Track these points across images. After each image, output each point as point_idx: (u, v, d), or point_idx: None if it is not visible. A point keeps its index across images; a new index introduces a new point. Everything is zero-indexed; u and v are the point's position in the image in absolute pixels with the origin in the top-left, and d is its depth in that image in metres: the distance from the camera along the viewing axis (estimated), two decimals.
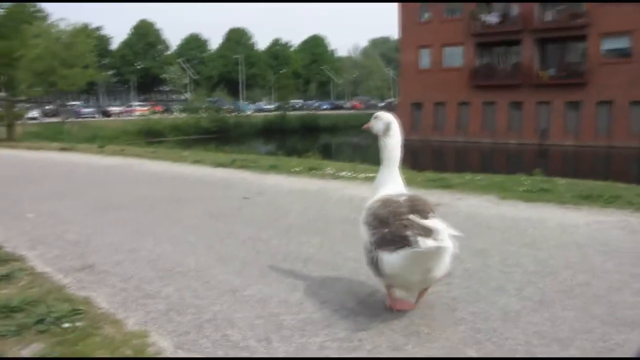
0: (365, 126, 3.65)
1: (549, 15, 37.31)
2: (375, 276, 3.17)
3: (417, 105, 43.54)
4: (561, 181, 8.21)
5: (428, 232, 2.79)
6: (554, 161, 32.41)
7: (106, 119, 55.93)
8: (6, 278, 3.82)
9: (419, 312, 3.13)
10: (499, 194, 6.97)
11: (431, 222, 2.88)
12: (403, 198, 3.15)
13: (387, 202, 3.12)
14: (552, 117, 37.01)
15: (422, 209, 3.01)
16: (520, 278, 3.68)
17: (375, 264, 3.02)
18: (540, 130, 37.36)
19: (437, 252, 2.80)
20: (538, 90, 37.55)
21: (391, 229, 2.92)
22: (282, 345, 2.77)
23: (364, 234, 3.15)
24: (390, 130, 3.45)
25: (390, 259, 2.90)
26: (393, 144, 3.46)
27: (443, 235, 2.79)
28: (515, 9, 39.04)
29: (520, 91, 38.24)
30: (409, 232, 2.81)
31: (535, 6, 37.43)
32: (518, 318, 3.02)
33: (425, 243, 2.73)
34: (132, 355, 2.67)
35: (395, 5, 44.71)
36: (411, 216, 2.92)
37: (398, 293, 3.23)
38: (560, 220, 5.42)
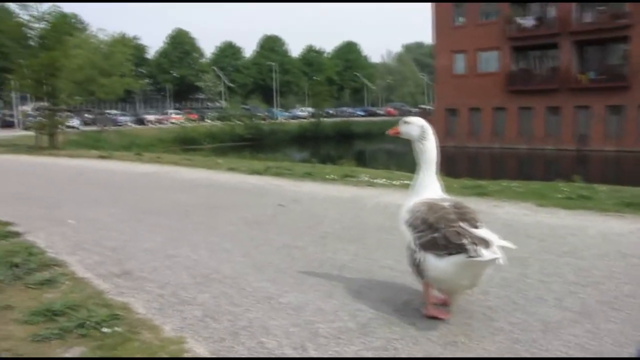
0: (392, 131, 3.68)
1: (588, 16, 36.51)
2: (415, 275, 3.23)
3: (452, 111, 43.12)
4: (602, 188, 8.02)
5: (483, 243, 2.93)
6: (593, 167, 31.66)
7: (142, 126, 56.88)
8: (49, 282, 3.91)
9: (456, 320, 3.09)
10: (537, 202, 6.85)
11: (485, 233, 3.04)
12: (448, 203, 3.26)
13: (433, 207, 3.21)
14: (592, 121, 36.17)
15: (471, 218, 3.14)
16: (560, 288, 3.61)
17: (418, 265, 3.14)
18: (579, 135, 36.57)
19: (491, 263, 2.93)
20: (576, 94, 36.77)
21: (443, 234, 3.02)
22: (318, 353, 2.77)
23: (407, 235, 3.25)
24: (426, 134, 3.49)
25: (440, 263, 3.01)
26: (430, 147, 3.52)
27: (496, 246, 2.96)
28: (551, 11, 38.37)
29: (557, 96, 37.49)
30: (465, 241, 2.92)
31: (573, 8, 36.73)
32: (558, 329, 2.96)
33: (483, 253, 2.87)
34: None
35: (429, 10, 44.42)
36: (462, 224, 3.05)
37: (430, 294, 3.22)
38: (602, 229, 5.29)
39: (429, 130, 3.52)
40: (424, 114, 66.64)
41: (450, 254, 2.96)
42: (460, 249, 2.92)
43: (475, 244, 2.91)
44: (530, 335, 2.89)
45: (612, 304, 3.28)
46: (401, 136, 3.59)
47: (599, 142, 35.55)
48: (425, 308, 3.22)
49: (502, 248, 3.01)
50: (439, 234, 3.04)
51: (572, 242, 4.79)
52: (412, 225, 3.22)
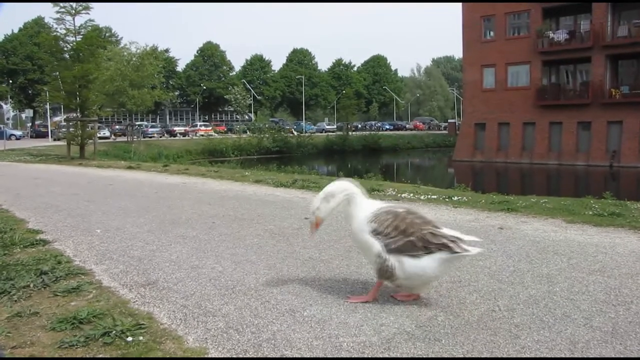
0: (313, 229, 3.80)
1: (623, 30, 35.99)
2: (386, 278, 3.56)
3: (481, 126, 42.74)
4: (635, 205, 7.86)
5: (458, 240, 3.47)
6: (626, 184, 31.01)
7: (171, 138, 57.65)
8: (75, 291, 3.96)
9: (481, 337, 3.03)
10: (566, 218, 6.74)
11: (453, 232, 3.55)
12: (403, 210, 3.62)
13: (399, 215, 3.54)
14: (624, 137, 35.46)
15: (430, 220, 3.60)
16: (588, 307, 3.53)
17: (392, 268, 3.47)
18: (611, 151, 35.89)
19: (466, 257, 3.53)
20: (609, 109, 36.14)
21: (419, 237, 3.44)
22: None
23: (375, 243, 3.51)
24: (332, 192, 3.69)
25: (420, 262, 3.43)
26: (348, 188, 3.69)
27: (466, 241, 3.50)
28: (585, 25, 37.91)
29: (589, 110, 36.91)
30: (445, 240, 3.43)
31: (607, 22, 36.24)
32: (587, 349, 2.88)
33: (468, 248, 3.44)
34: None
35: (459, 24, 44.28)
36: (431, 227, 3.50)
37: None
38: (634, 247, 5.17)
39: (328, 189, 3.70)
40: (452, 128, 66.32)
41: (429, 252, 3.41)
42: (443, 247, 3.41)
43: (455, 242, 3.43)
44: (557, 355, 2.82)
45: None
46: (326, 213, 3.75)
47: (631, 158, 34.83)
48: (360, 297, 3.68)
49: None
50: (414, 237, 3.44)
51: (602, 260, 4.68)
52: (383, 233, 3.50)
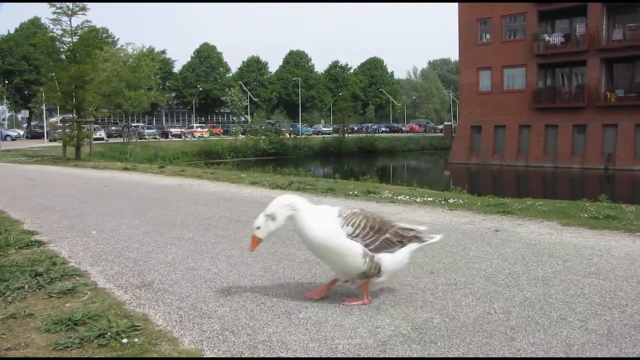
0: (252, 246, 3.76)
1: (618, 34, 36.12)
2: (371, 277, 3.60)
3: (477, 128, 42.82)
4: (630, 208, 7.88)
5: (423, 231, 3.79)
6: (621, 187, 31.10)
7: (167, 139, 57.56)
8: (71, 292, 3.95)
9: (476, 340, 3.04)
10: (561, 221, 6.76)
11: (414, 225, 3.87)
12: (364, 211, 3.74)
13: (368, 216, 3.65)
14: (619, 140, 35.58)
15: (390, 219, 3.82)
16: (584, 309, 3.53)
17: (379, 265, 3.56)
18: (606, 154, 36.00)
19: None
20: (604, 112, 36.27)
21: (393, 233, 3.63)
22: None
23: (355, 246, 3.52)
24: (274, 213, 3.62)
25: (397, 256, 3.62)
26: (294, 202, 3.62)
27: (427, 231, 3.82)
28: (580, 28, 38.06)
29: (584, 113, 37.04)
30: (413, 233, 3.71)
31: (602, 25, 36.38)
32: (582, 352, 2.89)
33: (434, 236, 3.79)
34: None
35: (455, 26, 44.38)
36: (394, 222, 3.74)
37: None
38: (629, 250, 5.18)
39: (270, 209, 3.63)
40: (448, 131, 66.45)
41: (403, 245, 3.64)
42: (414, 238, 3.68)
43: (422, 232, 3.74)
44: (553, 357, 2.82)
45: (639, 327, 3.20)
46: (266, 235, 3.70)
47: (626, 161, 34.95)
48: (356, 300, 3.70)
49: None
50: (389, 235, 3.61)
51: (597, 263, 4.70)
52: (359, 236, 3.54)
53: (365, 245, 3.54)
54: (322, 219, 3.58)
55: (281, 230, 3.77)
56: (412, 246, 3.69)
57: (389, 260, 3.60)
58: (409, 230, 3.71)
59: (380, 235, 3.58)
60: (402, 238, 3.65)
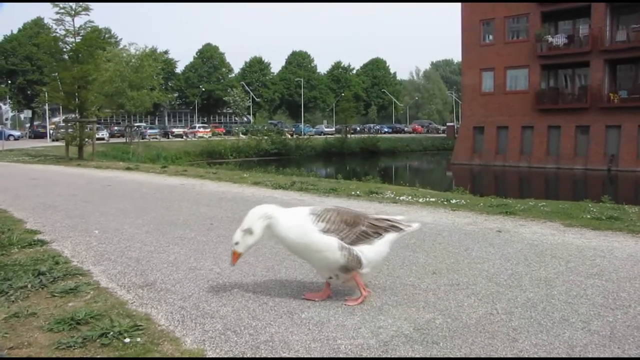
0: (233, 261, 3.79)
1: (622, 35, 36.06)
2: (352, 270, 3.60)
3: (480, 129, 42.78)
4: (633, 209, 7.87)
5: (398, 220, 3.80)
6: (623, 188, 31.05)
7: (169, 139, 57.59)
8: (73, 291, 3.96)
9: (479, 341, 3.03)
10: (564, 221, 6.75)
11: (389, 216, 3.87)
12: (340, 208, 3.80)
13: (341, 211, 3.70)
14: (622, 141, 35.52)
15: (365, 212, 3.86)
16: (586, 310, 3.53)
17: (358, 257, 3.58)
18: (609, 155, 35.94)
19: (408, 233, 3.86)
20: (607, 113, 36.21)
21: (368, 225, 3.65)
22: None
23: (331, 241, 3.55)
24: (252, 228, 3.65)
25: (376, 247, 3.65)
26: (279, 220, 3.63)
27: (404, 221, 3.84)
28: (584, 29, 38.01)
29: (587, 114, 36.98)
30: (390, 222, 3.73)
31: (605, 27, 36.33)
32: (585, 353, 2.88)
33: (412, 225, 3.83)
34: None
35: (458, 27, 44.35)
36: (369, 214, 3.76)
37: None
38: (632, 251, 5.18)
39: (246, 224, 3.66)
40: (451, 131, 66.40)
41: (380, 237, 3.66)
42: (391, 228, 3.71)
43: (398, 222, 3.76)
44: (555, 358, 2.82)
45: None
46: (246, 249, 3.75)
47: (629, 162, 34.89)
48: (356, 299, 3.72)
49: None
50: (364, 227, 3.64)
51: (600, 264, 4.69)
52: (334, 230, 3.58)
53: (341, 240, 3.57)
54: (295, 218, 3.64)
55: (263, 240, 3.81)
56: (390, 236, 3.72)
57: (368, 251, 3.62)
58: (384, 220, 3.73)
59: (354, 229, 3.61)
60: (377, 229, 3.67)
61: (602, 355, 2.85)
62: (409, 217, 7.27)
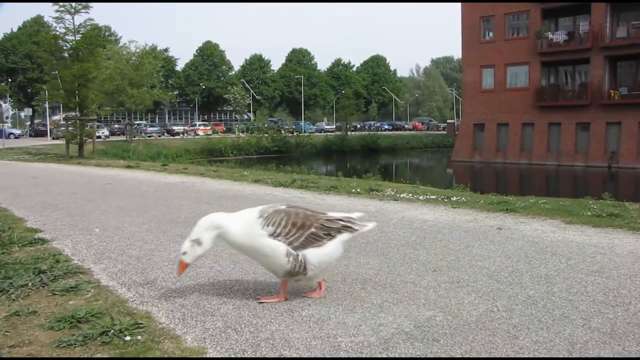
0: (180, 270, 3.72)
1: (622, 31, 36.02)
2: (297, 274, 3.59)
3: (480, 126, 42.77)
4: (633, 206, 7.86)
5: (352, 219, 3.72)
6: (624, 185, 31.04)
7: (169, 137, 57.53)
8: (74, 290, 3.96)
9: (479, 338, 3.03)
10: (565, 219, 6.74)
11: (342, 213, 3.79)
12: (287, 207, 3.70)
13: (289, 213, 3.61)
14: (623, 138, 35.49)
15: (315, 210, 3.82)
16: (587, 307, 3.53)
17: (303, 263, 3.53)
18: (610, 152, 35.92)
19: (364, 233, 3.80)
20: (607, 110, 36.19)
21: (319, 226, 3.59)
22: None
23: (278, 245, 3.51)
24: (200, 239, 3.59)
25: (326, 249, 3.58)
26: (229, 229, 3.59)
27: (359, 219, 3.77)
28: (584, 26, 37.97)
29: (588, 111, 36.96)
30: (342, 223, 3.66)
31: (606, 23, 36.28)
32: (585, 350, 2.88)
33: (364, 224, 3.74)
34: None
35: (458, 24, 44.30)
36: (321, 214, 3.69)
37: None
38: (633, 248, 5.17)
39: (195, 235, 3.59)
40: (451, 129, 66.38)
41: (331, 238, 3.60)
42: (343, 229, 3.64)
43: (351, 221, 3.68)
44: (556, 355, 2.82)
45: None
46: (194, 259, 3.70)
47: (630, 159, 34.87)
48: (318, 291, 3.79)
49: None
50: (314, 229, 3.57)
51: (601, 261, 4.69)
52: (282, 234, 3.53)
53: (289, 243, 3.53)
54: (243, 222, 3.60)
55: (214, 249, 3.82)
56: (343, 237, 3.66)
57: (316, 255, 3.57)
58: (337, 221, 3.67)
59: (304, 231, 3.56)
60: (329, 230, 3.62)
61: (602, 353, 2.85)
62: (409, 215, 7.28)
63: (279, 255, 3.53)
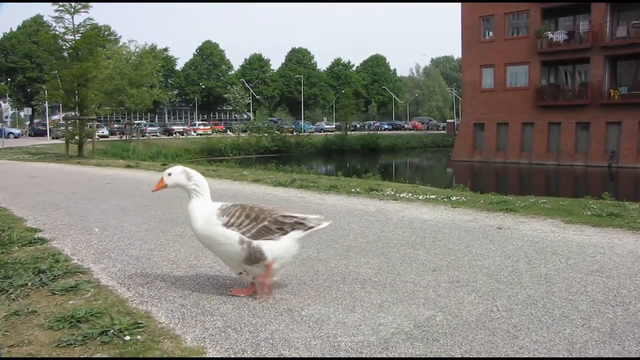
0: (156, 187, 3.99)
1: (622, 31, 36.02)
2: (256, 262, 3.65)
3: (480, 126, 42.77)
4: (633, 206, 7.86)
5: (307, 217, 3.82)
6: (624, 184, 31.04)
7: (169, 137, 57.46)
8: (73, 289, 3.95)
9: (479, 338, 3.03)
10: (565, 218, 6.74)
11: (298, 213, 3.88)
12: (249, 203, 3.84)
13: (245, 207, 3.76)
14: (623, 137, 35.49)
15: (273, 208, 3.88)
16: (586, 307, 3.53)
17: (257, 252, 3.63)
18: (610, 151, 35.92)
19: (318, 231, 3.85)
20: (607, 109, 36.18)
21: (272, 220, 3.70)
22: None
23: (232, 234, 3.64)
24: (190, 174, 3.87)
25: (279, 243, 3.68)
26: (200, 181, 3.86)
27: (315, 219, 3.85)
28: (584, 25, 37.96)
29: (588, 111, 36.96)
30: (296, 219, 3.75)
31: (606, 23, 36.28)
32: (585, 350, 2.88)
33: (318, 222, 3.81)
34: None
35: (458, 24, 44.30)
36: (279, 211, 3.81)
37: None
38: (633, 247, 5.17)
39: (191, 171, 3.90)
40: (451, 128, 66.38)
41: (284, 233, 3.70)
42: (296, 225, 3.73)
43: (305, 219, 3.78)
44: (555, 355, 2.82)
45: None
46: (169, 187, 3.94)
47: (630, 159, 34.88)
48: (266, 286, 3.79)
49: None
50: (266, 222, 3.69)
51: (600, 261, 4.69)
52: (235, 224, 3.67)
53: (242, 233, 3.66)
54: (203, 211, 3.78)
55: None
56: (297, 234, 3.75)
57: (270, 246, 3.67)
58: (290, 217, 3.77)
59: (257, 224, 3.69)
60: (282, 225, 3.72)
61: (602, 352, 2.85)
62: (409, 214, 7.28)
63: (232, 243, 3.66)
